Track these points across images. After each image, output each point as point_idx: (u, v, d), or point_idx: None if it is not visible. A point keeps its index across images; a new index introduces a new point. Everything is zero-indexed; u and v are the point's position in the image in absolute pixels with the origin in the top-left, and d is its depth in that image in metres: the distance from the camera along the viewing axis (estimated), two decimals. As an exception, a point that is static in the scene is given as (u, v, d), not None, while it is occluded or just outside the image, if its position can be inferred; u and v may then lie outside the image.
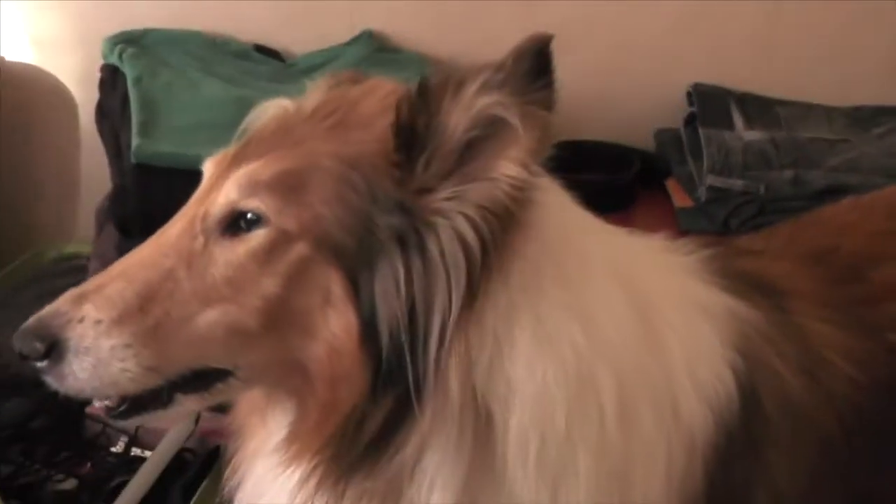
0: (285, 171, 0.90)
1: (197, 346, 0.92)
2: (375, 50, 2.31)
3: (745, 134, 2.30)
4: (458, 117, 0.88)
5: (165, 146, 1.84)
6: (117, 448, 1.66)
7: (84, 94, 2.21)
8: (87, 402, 1.60)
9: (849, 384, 1.11)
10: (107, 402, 0.97)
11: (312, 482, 0.94)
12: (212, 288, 0.91)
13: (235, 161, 0.94)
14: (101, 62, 2.13)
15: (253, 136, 0.98)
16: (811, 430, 1.09)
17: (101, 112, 2.06)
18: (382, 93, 0.98)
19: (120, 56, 2.07)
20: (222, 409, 1.61)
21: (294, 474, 0.95)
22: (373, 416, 0.91)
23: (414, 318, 0.89)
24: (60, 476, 1.61)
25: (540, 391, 0.90)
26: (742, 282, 1.10)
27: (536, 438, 0.91)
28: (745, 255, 1.21)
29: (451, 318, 0.88)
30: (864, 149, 2.31)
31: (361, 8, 2.33)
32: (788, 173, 2.21)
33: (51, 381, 0.92)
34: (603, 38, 2.34)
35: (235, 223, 0.91)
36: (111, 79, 2.08)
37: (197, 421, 1.64)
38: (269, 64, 2.27)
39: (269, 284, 0.91)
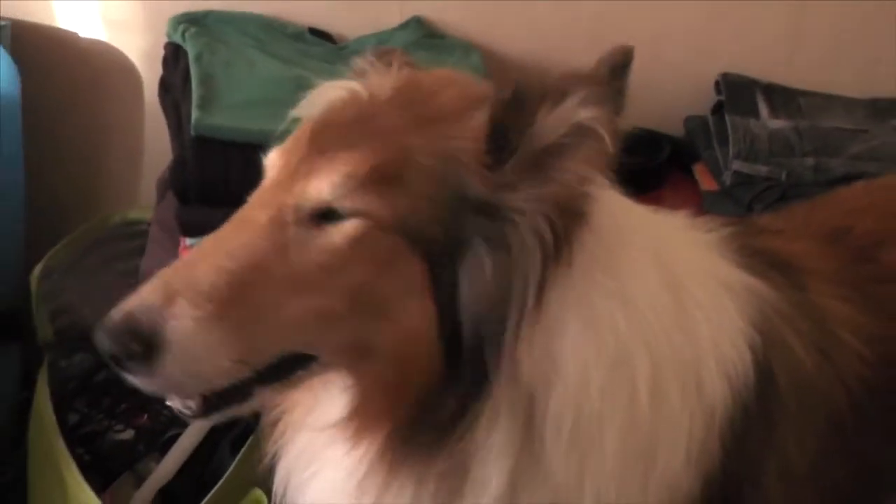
0: (379, 166, 0.89)
1: (288, 334, 0.91)
2: (424, 35, 2.35)
3: (770, 122, 2.36)
4: (554, 125, 0.90)
5: (223, 120, 1.87)
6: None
7: (149, 71, 2.27)
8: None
9: (859, 361, 1.16)
10: (189, 403, 0.94)
11: (375, 461, 0.96)
12: (304, 276, 0.89)
13: (316, 148, 0.92)
14: (165, 41, 2.18)
15: (328, 120, 0.96)
16: (822, 406, 1.14)
17: (164, 87, 2.10)
18: (461, 85, 0.99)
19: (183, 35, 2.11)
20: None
21: (354, 452, 0.97)
22: (444, 400, 0.93)
23: (493, 309, 0.90)
24: (120, 427, 1.67)
25: (580, 373, 0.93)
26: (760, 260, 1.14)
27: (571, 418, 0.94)
28: (763, 234, 1.25)
29: (527, 309, 0.91)
30: (883, 138, 2.36)
31: (412, -4, 2.40)
32: (810, 161, 2.28)
33: (139, 380, 0.87)
34: (637, 31, 2.39)
35: (323, 215, 0.90)
36: (174, 56, 2.12)
37: None
38: (322, 46, 2.31)
39: (359, 273, 0.90)
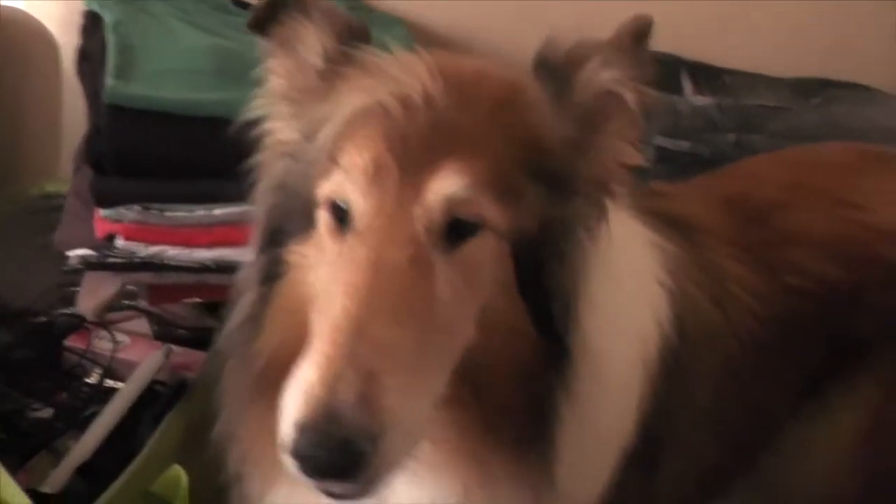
0: (485, 171, 0.85)
1: (445, 379, 0.84)
2: (350, 8, 2.32)
3: (694, 99, 2.40)
4: (581, 91, 0.90)
5: (140, 89, 1.82)
6: (92, 379, 1.64)
7: (68, 40, 2.22)
8: (65, 333, 1.69)
9: (750, 315, 1.23)
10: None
11: (477, 480, 0.90)
12: (452, 308, 0.84)
13: (410, 167, 0.84)
14: (83, 8, 2.13)
15: (399, 135, 0.86)
16: (720, 355, 1.21)
17: (82, 56, 2.06)
18: (488, 69, 0.95)
19: (101, 3, 2.07)
20: (192, 343, 1.71)
21: (446, 479, 0.91)
22: (547, 393, 0.91)
23: (567, 294, 0.91)
24: (38, 405, 1.60)
25: (608, 343, 0.99)
26: (657, 218, 1.19)
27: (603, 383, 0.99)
28: (657, 197, 1.31)
29: (586, 286, 0.93)
30: (803, 116, 2.42)
31: (339, -34, 2.38)
32: (732, 137, 2.31)
33: (353, 490, 0.77)
34: (563, 6, 2.38)
35: (454, 232, 0.85)
36: (92, 24, 2.07)
37: (167, 355, 1.66)
38: (244, 17, 2.21)
39: (483, 289, 0.86)
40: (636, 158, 0.94)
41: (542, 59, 0.91)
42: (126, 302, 1.84)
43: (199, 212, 1.80)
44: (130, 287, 1.84)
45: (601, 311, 0.98)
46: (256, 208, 1.01)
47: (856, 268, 1.30)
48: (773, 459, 1.42)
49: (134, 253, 1.79)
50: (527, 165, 0.88)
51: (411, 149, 0.84)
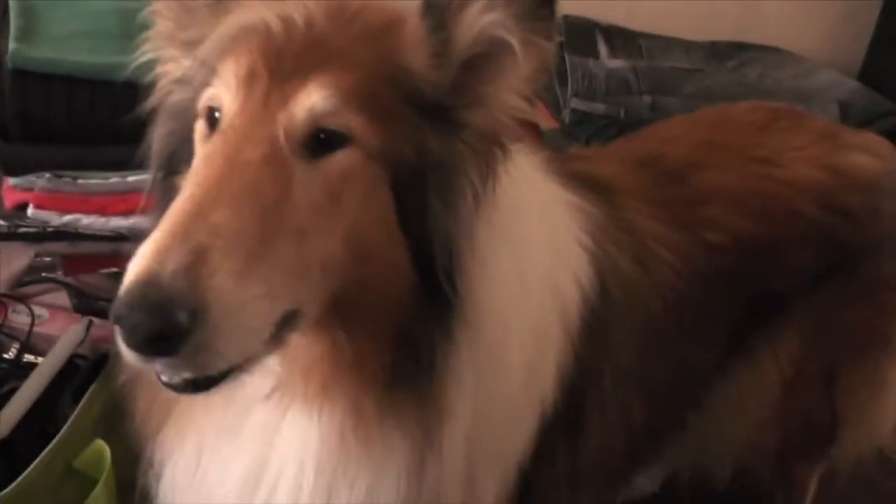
0: (354, 85, 0.85)
1: (298, 285, 0.82)
2: None
3: (609, 62, 2.44)
4: (462, 33, 0.89)
5: (44, 52, 1.77)
6: (9, 355, 1.60)
7: None
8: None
9: (672, 272, 1.25)
10: (183, 374, 0.80)
11: (353, 415, 0.90)
12: (310, 216, 0.83)
13: (280, 75, 0.85)
14: None
15: (275, 48, 0.87)
16: (642, 311, 1.22)
17: None
18: (373, 4, 0.96)
19: None
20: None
21: (321, 415, 0.91)
22: (420, 335, 0.90)
23: (451, 240, 0.90)
24: None
25: (504, 295, 0.99)
26: (575, 180, 1.19)
27: (501, 335, 0.99)
28: (575, 160, 1.32)
29: (473, 237, 0.92)
30: (716, 78, 2.48)
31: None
32: (647, 99, 2.37)
33: (176, 361, 0.74)
34: None
35: (317, 142, 0.84)
36: None
37: (88, 328, 1.63)
38: None
39: (353, 208, 0.85)
40: (528, 112, 0.92)
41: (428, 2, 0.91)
42: (45, 274, 1.79)
43: (114, 179, 1.75)
44: (48, 259, 1.80)
45: (503, 269, 0.98)
46: (152, 141, 1.00)
47: (772, 222, 1.33)
48: (702, 416, 1.45)
49: (46, 222, 1.74)
50: (401, 90, 0.88)
51: (285, 62, 0.86)
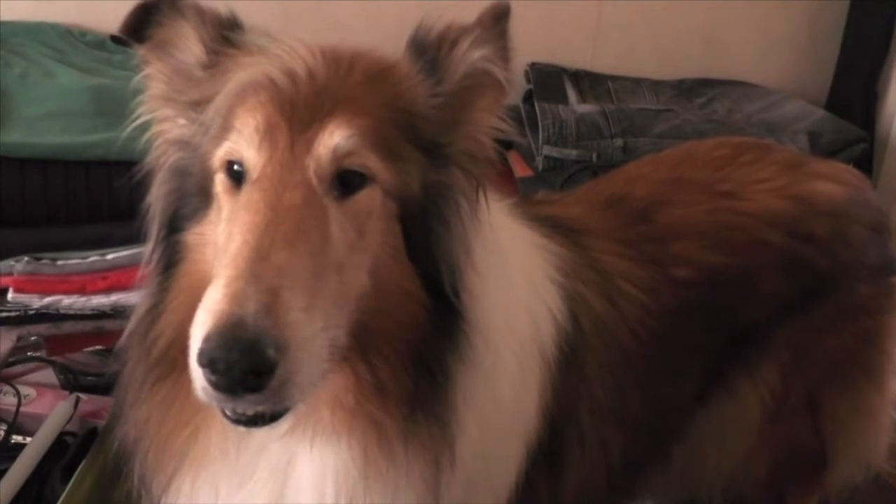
0: (368, 129, 0.91)
1: (342, 319, 0.88)
2: None
3: (578, 107, 2.45)
4: (453, 70, 0.97)
5: (15, 136, 1.79)
6: None
7: None
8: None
9: (641, 308, 1.26)
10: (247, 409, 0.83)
11: (376, 440, 0.93)
12: (344, 251, 0.88)
13: (299, 124, 0.90)
14: None
15: (287, 100, 0.91)
16: (615, 347, 1.24)
17: None
18: (363, 51, 1.00)
19: None
20: (100, 389, 1.67)
21: (351, 442, 0.93)
22: (435, 354, 0.95)
23: (454, 259, 0.97)
24: None
25: (499, 314, 1.04)
26: (543, 223, 1.23)
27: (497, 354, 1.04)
28: (540, 204, 1.34)
29: (471, 252, 0.98)
30: (686, 116, 2.50)
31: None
32: (618, 141, 2.38)
33: (260, 401, 0.79)
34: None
35: (342, 183, 0.90)
36: None
37: (76, 404, 1.63)
38: (124, 53, 2.22)
39: (374, 242, 0.92)
40: (504, 128, 1.00)
41: (415, 41, 0.98)
42: (30, 354, 1.80)
43: (93, 257, 1.76)
44: (33, 338, 1.80)
45: (493, 294, 1.03)
46: (152, 202, 1.03)
47: (738, 254, 1.34)
48: (685, 447, 1.46)
49: (27, 306, 1.75)
50: (404, 130, 0.94)
51: (299, 110, 0.91)
